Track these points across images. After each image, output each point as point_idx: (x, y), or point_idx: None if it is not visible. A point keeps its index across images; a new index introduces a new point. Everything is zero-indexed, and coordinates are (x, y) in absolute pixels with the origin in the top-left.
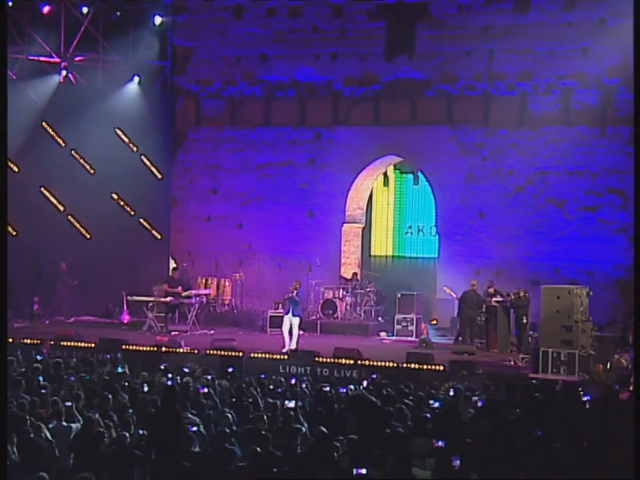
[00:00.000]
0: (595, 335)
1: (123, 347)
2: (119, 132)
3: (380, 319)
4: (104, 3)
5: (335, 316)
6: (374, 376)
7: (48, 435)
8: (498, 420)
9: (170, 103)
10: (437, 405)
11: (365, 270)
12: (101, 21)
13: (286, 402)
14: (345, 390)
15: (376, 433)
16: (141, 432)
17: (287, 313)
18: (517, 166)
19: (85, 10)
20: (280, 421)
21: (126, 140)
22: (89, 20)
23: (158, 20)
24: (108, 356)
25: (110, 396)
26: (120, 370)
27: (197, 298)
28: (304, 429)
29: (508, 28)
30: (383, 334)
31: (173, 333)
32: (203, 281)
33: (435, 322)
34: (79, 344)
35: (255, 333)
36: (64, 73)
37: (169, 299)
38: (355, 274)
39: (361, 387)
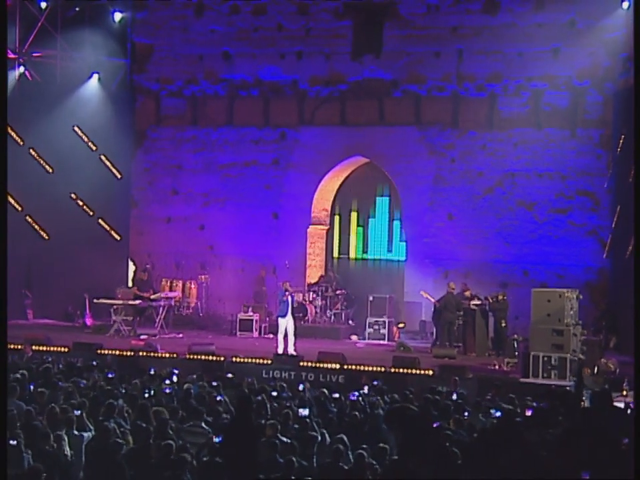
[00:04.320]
0: (583, 338)
1: (98, 351)
2: (77, 130)
3: (350, 322)
4: None
5: (305, 319)
6: (375, 382)
7: (67, 445)
8: (561, 429)
9: (130, 102)
10: (498, 414)
11: (332, 272)
12: (59, 17)
13: (300, 410)
14: (354, 397)
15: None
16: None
17: (283, 316)
18: (487, 168)
19: (43, 5)
20: (295, 429)
21: (85, 139)
22: (45, 15)
23: (118, 16)
24: (93, 362)
25: (116, 403)
26: (110, 375)
27: (165, 301)
28: (320, 437)
29: (477, 29)
30: (354, 337)
31: (142, 337)
32: (168, 283)
33: (402, 325)
34: (52, 348)
35: (224, 337)
36: (21, 69)
37: (137, 301)
38: (322, 276)
39: (362, 392)
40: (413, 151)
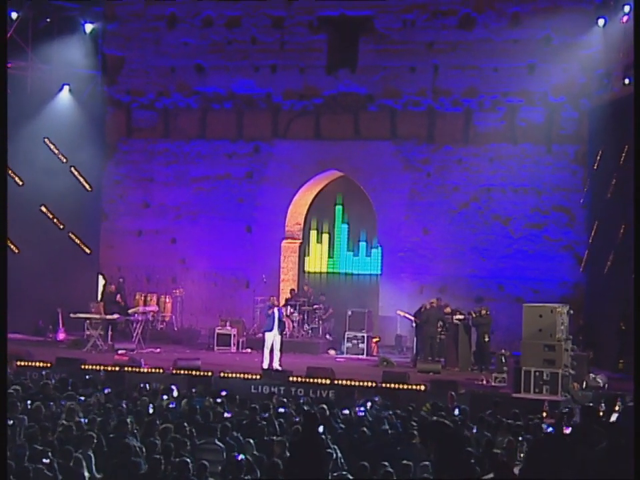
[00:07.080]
0: (572, 354)
1: (82, 366)
2: (48, 142)
3: (328, 336)
4: (34, 9)
5: (284, 333)
6: (376, 398)
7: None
8: (603, 445)
9: (101, 114)
10: (550, 430)
11: (307, 286)
12: (30, 28)
13: None
14: (362, 412)
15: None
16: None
17: (270, 330)
18: (462, 183)
19: (13, 15)
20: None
21: (55, 151)
22: (15, 26)
23: (88, 28)
24: (87, 376)
25: (129, 420)
26: (106, 391)
27: (142, 315)
28: (334, 454)
29: (453, 44)
30: (331, 352)
31: (120, 351)
32: (142, 297)
33: (377, 339)
34: (36, 364)
35: (202, 351)
36: None
37: (115, 315)
38: (292, 290)
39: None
40: (388, 165)
